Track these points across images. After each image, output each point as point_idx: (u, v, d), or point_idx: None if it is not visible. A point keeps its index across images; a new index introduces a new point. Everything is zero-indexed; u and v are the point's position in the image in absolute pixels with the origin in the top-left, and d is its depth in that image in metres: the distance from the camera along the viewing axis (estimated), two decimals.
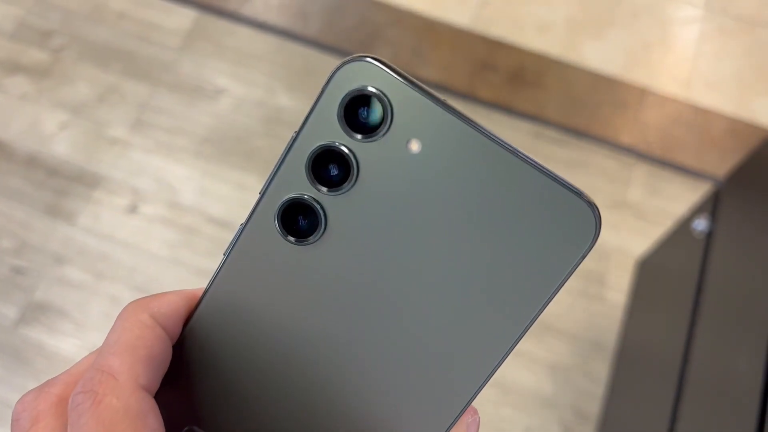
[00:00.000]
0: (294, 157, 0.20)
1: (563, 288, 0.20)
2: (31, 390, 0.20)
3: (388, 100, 0.19)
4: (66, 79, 1.15)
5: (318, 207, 0.20)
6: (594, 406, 0.96)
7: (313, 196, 0.20)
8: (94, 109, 1.12)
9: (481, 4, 1.23)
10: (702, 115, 1.16)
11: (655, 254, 0.95)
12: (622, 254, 1.04)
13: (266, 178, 0.20)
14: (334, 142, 0.19)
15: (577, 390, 0.96)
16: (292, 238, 0.20)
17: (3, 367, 0.96)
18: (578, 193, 0.19)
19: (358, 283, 0.20)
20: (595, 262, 1.04)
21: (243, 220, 0.21)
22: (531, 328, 0.20)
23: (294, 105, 1.14)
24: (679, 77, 1.19)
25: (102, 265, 1.02)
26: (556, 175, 0.19)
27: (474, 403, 0.21)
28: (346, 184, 0.20)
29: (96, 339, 0.98)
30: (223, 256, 0.21)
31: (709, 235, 0.74)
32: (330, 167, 0.20)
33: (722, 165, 1.10)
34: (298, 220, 0.20)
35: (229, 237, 0.23)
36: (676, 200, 1.09)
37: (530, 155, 0.19)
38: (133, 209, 1.05)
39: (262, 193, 0.20)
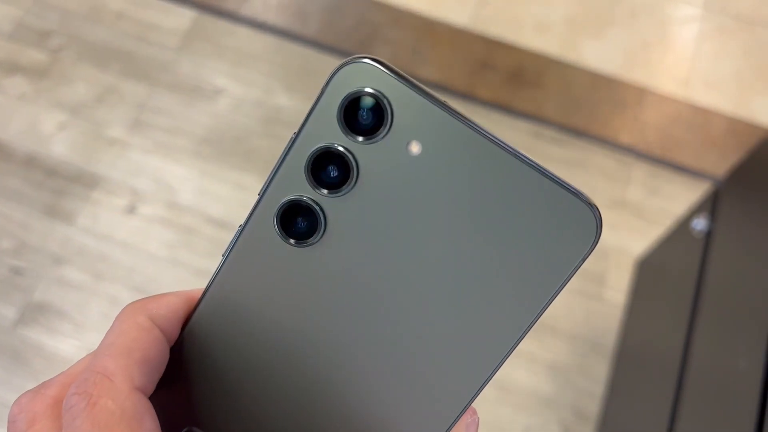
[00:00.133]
0: (293, 158, 0.20)
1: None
2: (28, 391, 0.20)
3: (388, 102, 0.19)
4: (64, 79, 1.14)
5: (317, 209, 0.20)
6: (594, 406, 0.96)
7: (312, 197, 0.20)
8: (92, 110, 1.12)
9: (481, 3, 1.23)
10: (701, 114, 1.16)
11: (654, 254, 0.95)
12: (622, 254, 1.04)
13: (265, 178, 0.20)
14: (334, 144, 0.19)
15: (576, 390, 0.96)
16: (291, 240, 0.20)
17: (2, 367, 0.96)
18: (579, 195, 0.19)
19: (357, 285, 0.20)
20: (595, 261, 1.03)
21: (242, 221, 0.21)
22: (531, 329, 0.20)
23: (293, 105, 1.14)
24: (678, 77, 1.19)
25: (101, 265, 1.02)
26: (557, 177, 0.19)
27: (473, 403, 0.21)
28: (345, 185, 0.19)
29: (95, 339, 0.98)
30: (222, 257, 0.21)
31: (709, 235, 0.74)
32: (329, 169, 0.19)
33: (721, 164, 1.10)
34: (298, 222, 0.20)
35: (228, 237, 0.23)
36: (675, 200, 1.09)
37: (531, 157, 0.19)
38: (131, 209, 1.05)
39: (261, 195, 0.20)
